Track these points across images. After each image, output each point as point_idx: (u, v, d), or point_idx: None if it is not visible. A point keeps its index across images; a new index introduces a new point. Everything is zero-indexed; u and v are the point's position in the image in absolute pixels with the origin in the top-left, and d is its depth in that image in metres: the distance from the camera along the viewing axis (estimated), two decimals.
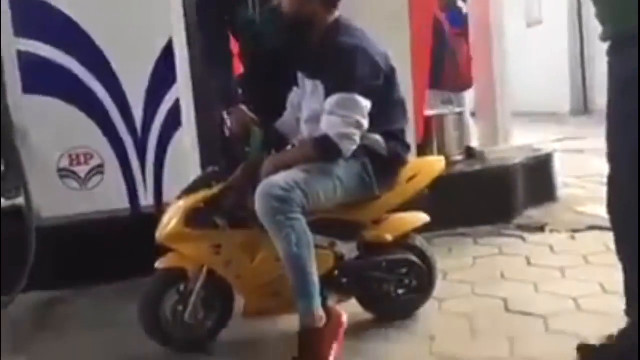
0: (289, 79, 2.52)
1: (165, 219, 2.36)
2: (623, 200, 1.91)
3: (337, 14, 2.35)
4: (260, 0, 2.71)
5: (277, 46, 2.57)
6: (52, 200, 3.27)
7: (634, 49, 1.68)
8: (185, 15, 3.37)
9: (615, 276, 2.13)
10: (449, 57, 4.32)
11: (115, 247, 3.12)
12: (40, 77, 3.20)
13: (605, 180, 2.02)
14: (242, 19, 2.73)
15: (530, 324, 2.48)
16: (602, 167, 2.06)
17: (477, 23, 4.60)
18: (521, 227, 3.86)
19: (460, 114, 4.57)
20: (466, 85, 4.51)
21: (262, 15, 2.69)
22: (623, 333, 2.02)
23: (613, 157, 1.94)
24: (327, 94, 2.22)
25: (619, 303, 2.10)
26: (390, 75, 2.34)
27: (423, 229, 2.53)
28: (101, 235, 3.20)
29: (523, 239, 3.68)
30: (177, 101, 3.37)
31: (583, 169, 5.33)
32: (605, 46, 1.85)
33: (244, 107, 2.60)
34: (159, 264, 2.35)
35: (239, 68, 2.95)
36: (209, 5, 2.81)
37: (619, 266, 2.05)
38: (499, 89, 4.55)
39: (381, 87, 2.29)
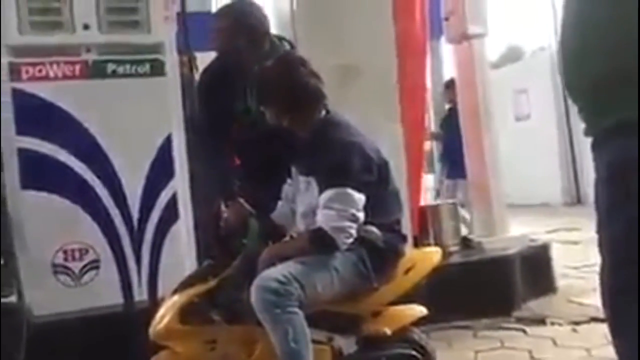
0: (284, 170, 2.57)
1: (159, 314, 2.32)
2: (609, 287, 1.89)
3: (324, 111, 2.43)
4: (257, 90, 2.79)
5: (272, 136, 2.63)
6: (44, 297, 3.22)
7: (613, 143, 1.72)
8: (184, 110, 3.46)
9: None
10: None
11: (108, 344, 3.04)
12: (39, 173, 3.23)
13: None
14: (239, 108, 2.80)
15: None
16: (599, 258, 2.05)
17: (468, 117, 4.74)
18: (521, 320, 3.79)
19: (454, 204, 4.61)
20: None
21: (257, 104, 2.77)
22: None
23: (602, 247, 1.95)
24: (321, 190, 2.25)
25: None
26: (383, 168, 2.38)
27: (420, 322, 2.49)
28: (94, 332, 3.12)
29: (524, 331, 3.61)
30: (174, 195, 3.40)
31: (580, 259, 5.31)
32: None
33: (242, 200, 2.62)
34: None
35: (235, 159, 3.01)
36: (209, 98, 2.91)
37: None
38: (493, 180, 4.61)
39: (375, 181, 2.33)
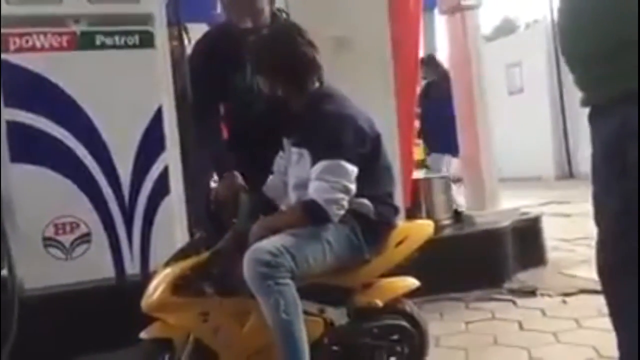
0: (276, 143, 2.55)
1: (151, 287, 2.32)
2: (608, 262, 1.90)
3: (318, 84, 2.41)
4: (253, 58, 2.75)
5: (265, 108, 2.61)
6: (36, 270, 3.21)
7: (614, 113, 1.71)
8: (175, 82, 3.42)
9: (609, 340, 2.09)
10: None
11: (100, 317, 3.05)
12: (28, 146, 3.20)
13: (594, 243, 2.03)
14: (239, 85, 2.76)
15: None
16: (590, 230, 2.06)
17: (461, 92, 4.71)
18: (512, 291, 3.83)
19: (446, 177, 4.62)
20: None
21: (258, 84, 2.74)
22: None
23: (600, 220, 1.95)
24: (314, 161, 2.24)
25: None
26: (376, 141, 2.37)
27: (413, 294, 2.50)
28: (86, 305, 3.13)
29: (514, 303, 3.64)
30: (165, 169, 3.38)
31: (571, 232, 5.35)
32: (586, 111, 1.90)
33: (236, 174, 2.61)
34: (144, 334, 2.29)
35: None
36: (202, 70, 2.86)
37: (612, 330, 2.02)
38: (485, 154, 4.61)
39: (367, 153, 2.32)
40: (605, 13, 1.60)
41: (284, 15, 2.96)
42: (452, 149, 5.33)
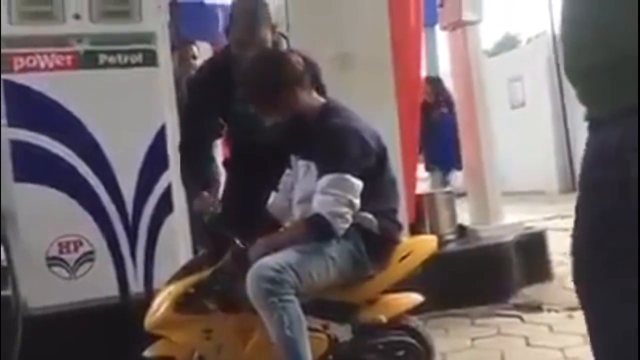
0: (277, 165, 2.55)
1: (154, 305, 2.32)
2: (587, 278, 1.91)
3: (324, 99, 2.42)
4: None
5: (271, 137, 2.60)
6: (40, 290, 3.21)
7: (615, 126, 1.71)
8: (178, 101, 3.44)
9: None
10: None
11: (104, 336, 3.04)
12: (32, 165, 3.21)
13: None
14: (238, 111, 2.76)
15: None
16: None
17: (463, 106, 4.72)
18: (518, 307, 3.80)
19: (450, 192, 4.61)
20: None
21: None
22: None
23: (578, 230, 1.97)
24: (319, 174, 2.24)
25: None
26: (381, 155, 2.37)
27: (417, 310, 2.49)
28: (90, 324, 3.11)
29: (521, 318, 3.61)
30: (168, 186, 3.38)
31: None
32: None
33: (205, 193, 2.61)
34: (147, 353, 2.28)
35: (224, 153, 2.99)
36: (200, 92, 2.87)
37: None
38: (488, 168, 4.61)
39: (373, 167, 2.32)
40: (608, 25, 1.60)
41: (284, 40, 2.96)
42: (456, 162, 5.38)
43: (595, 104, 1.70)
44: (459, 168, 5.42)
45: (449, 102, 5.82)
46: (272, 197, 2.61)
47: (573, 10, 1.71)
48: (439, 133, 5.81)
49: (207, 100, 2.77)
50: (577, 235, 1.59)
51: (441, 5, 4.65)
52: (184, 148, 2.87)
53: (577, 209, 1.63)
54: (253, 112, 2.51)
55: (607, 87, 1.65)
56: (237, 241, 2.32)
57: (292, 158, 2.49)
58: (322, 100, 2.43)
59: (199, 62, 4.22)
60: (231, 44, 2.79)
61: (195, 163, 2.82)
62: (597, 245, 1.51)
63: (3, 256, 3.04)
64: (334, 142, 2.26)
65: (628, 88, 1.59)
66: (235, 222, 2.48)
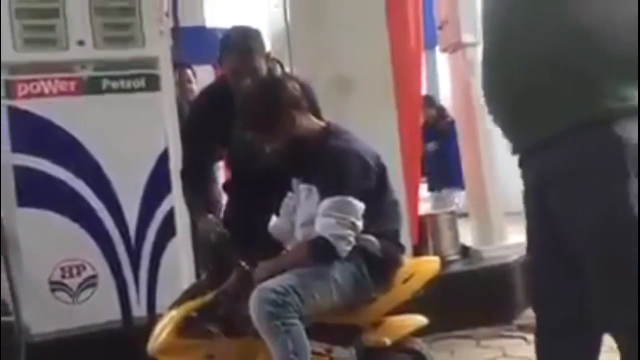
0: (280, 188, 2.56)
1: (156, 330, 2.31)
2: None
3: (323, 122, 2.44)
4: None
5: (272, 162, 2.61)
6: (42, 315, 3.20)
7: (562, 144, 1.71)
8: (181, 125, 3.46)
9: None
10: None
11: None
12: (35, 190, 3.22)
13: None
14: (238, 139, 2.77)
15: None
16: None
17: (464, 127, 4.74)
18: (522, 328, 3.77)
19: (453, 213, 4.60)
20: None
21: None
22: None
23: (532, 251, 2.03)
24: (321, 197, 2.25)
25: None
26: (382, 175, 2.38)
27: (421, 332, 2.48)
28: (92, 350, 3.10)
29: (525, 339, 3.58)
30: (171, 210, 3.39)
31: None
32: None
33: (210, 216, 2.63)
34: None
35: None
36: (199, 119, 2.88)
37: None
38: (490, 188, 4.60)
39: (373, 188, 2.32)
40: (538, 48, 1.61)
41: (278, 66, 2.97)
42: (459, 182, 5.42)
43: (536, 126, 1.71)
44: (463, 187, 5.43)
45: (449, 123, 5.87)
46: (273, 219, 2.61)
47: (498, 35, 1.72)
48: (441, 153, 5.84)
49: (206, 128, 2.78)
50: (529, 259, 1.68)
51: (440, 28, 4.69)
52: (185, 174, 2.88)
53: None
54: (252, 140, 2.53)
55: (547, 107, 1.66)
56: (242, 263, 2.33)
57: (294, 181, 2.49)
58: (322, 123, 2.44)
59: (194, 87, 4.27)
60: (226, 74, 2.81)
61: (198, 186, 2.82)
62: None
63: (5, 281, 3.04)
64: (335, 165, 2.26)
65: (573, 105, 1.60)
66: (237, 245, 2.48)
